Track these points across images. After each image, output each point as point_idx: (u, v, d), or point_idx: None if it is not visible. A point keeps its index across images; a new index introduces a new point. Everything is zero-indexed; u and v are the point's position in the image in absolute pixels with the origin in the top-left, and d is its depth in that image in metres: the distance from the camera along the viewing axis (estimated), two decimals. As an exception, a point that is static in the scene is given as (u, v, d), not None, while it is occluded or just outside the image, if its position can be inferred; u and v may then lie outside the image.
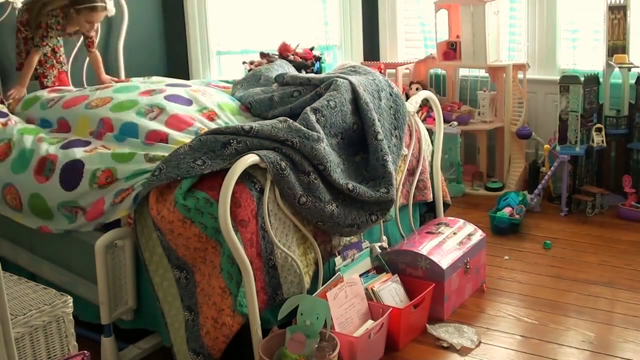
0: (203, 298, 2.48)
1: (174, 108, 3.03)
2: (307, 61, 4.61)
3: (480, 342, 2.81)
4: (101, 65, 4.07)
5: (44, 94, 3.48)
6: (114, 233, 2.60)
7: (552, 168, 4.08)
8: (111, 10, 3.92)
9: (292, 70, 3.71)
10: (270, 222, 2.54)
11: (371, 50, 5.07)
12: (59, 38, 3.81)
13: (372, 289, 2.84)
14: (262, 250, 2.54)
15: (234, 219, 2.41)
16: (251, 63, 4.64)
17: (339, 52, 5.12)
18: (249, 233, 2.48)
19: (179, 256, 2.49)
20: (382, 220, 2.95)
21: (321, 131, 2.72)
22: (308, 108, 2.80)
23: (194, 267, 2.50)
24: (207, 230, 2.43)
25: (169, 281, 2.55)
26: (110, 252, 2.59)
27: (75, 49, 4.36)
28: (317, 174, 2.64)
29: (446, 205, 3.62)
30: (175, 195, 2.42)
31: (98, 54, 4.06)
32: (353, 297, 2.73)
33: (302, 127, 2.66)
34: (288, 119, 2.70)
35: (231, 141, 2.55)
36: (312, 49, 4.73)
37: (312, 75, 3.27)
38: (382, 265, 3.03)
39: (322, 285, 2.73)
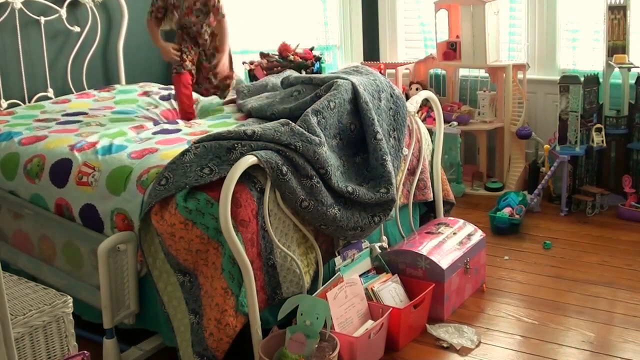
0: (207, 300, 2.48)
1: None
2: (307, 61, 4.61)
3: (480, 342, 2.81)
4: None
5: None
6: (116, 237, 2.58)
7: (552, 168, 4.08)
8: None
9: None
10: (270, 221, 2.54)
11: (371, 51, 5.07)
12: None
13: (372, 289, 2.84)
14: (262, 250, 2.54)
15: (235, 219, 2.41)
16: (251, 63, 4.64)
17: (339, 52, 5.11)
18: (249, 233, 2.47)
19: (179, 262, 2.48)
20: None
21: (322, 135, 2.72)
22: (309, 110, 2.78)
23: (197, 270, 2.50)
24: (208, 231, 2.43)
25: (173, 285, 2.54)
26: (113, 256, 2.58)
27: (76, 49, 4.36)
28: (319, 178, 2.63)
29: (451, 205, 3.62)
30: (176, 197, 2.43)
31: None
32: (353, 297, 2.73)
33: (304, 131, 2.66)
34: (290, 122, 2.69)
35: (235, 146, 2.55)
36: (312, 49, 4.74)
37: (314, 75, 3.27)
38: (382, 265, 3.03)
39: (322, 285, 2.73)
